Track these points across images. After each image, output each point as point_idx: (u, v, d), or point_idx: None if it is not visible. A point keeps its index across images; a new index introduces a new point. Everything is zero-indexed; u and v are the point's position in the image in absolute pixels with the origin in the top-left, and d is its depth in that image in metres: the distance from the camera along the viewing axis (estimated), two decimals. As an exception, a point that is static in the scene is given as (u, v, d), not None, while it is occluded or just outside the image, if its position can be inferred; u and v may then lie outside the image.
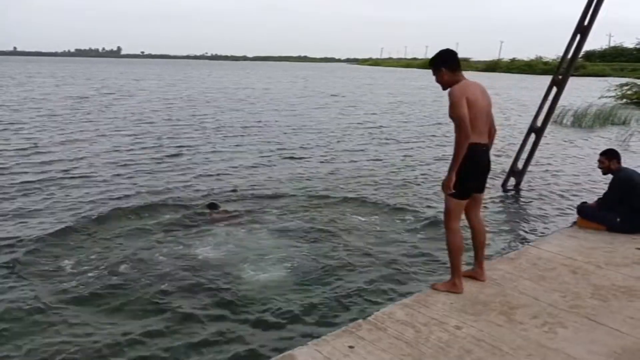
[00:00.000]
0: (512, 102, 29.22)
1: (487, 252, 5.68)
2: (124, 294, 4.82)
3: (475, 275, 4.16)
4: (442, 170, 3.90)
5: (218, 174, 9.77)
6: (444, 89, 3.83)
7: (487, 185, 8.62)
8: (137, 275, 5.22)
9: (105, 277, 5.14)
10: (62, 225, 6.57)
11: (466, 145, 3.63)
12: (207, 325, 4.27)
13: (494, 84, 43.87)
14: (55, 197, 7.90)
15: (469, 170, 3.76)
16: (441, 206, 4.06)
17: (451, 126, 3.79)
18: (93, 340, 4.01)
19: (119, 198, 8.01)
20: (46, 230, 6.40)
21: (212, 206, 7.66)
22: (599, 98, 25.51)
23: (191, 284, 5.01)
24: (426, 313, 3.62)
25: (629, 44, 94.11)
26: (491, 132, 3.96)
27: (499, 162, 11.12)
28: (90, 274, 5.21)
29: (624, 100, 27.79)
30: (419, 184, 9.24)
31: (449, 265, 4.03)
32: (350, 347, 3.16)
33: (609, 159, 5.75)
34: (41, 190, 8.22)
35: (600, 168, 5.88)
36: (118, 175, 9.44)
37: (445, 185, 3.78)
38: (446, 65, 3.80)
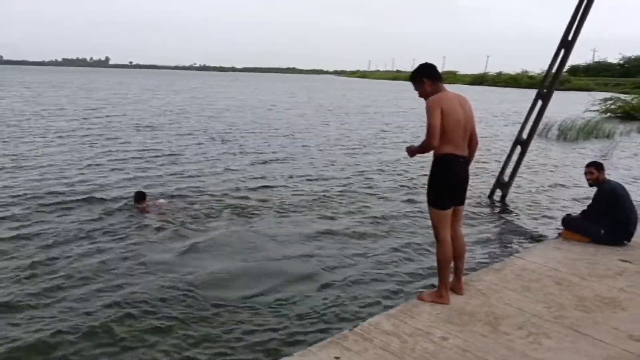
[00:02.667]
0: (498, 114, 29.56)
1: (473, 263, 5.75)
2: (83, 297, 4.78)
3: (453, 287, 4.15)
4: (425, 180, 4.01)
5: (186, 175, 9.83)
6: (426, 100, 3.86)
7: (474, 197, 8.72)
8: (93, 280, 5.18)
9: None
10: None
11: (428, 151, 3.77)
12: (184, 337, 4.17)
13: (480, 97, 44.35)
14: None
15: (443, 180, 3.83)
16: (426, 215, 4.08)
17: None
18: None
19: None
20: None
21: (140, 195, 7.53)
22: (584, 112, 25.88)
23: (155, 289, 4.97)
24: (412, 324, 3.62)
25: (613, 59, 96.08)
26: (472, 144, 3.99)
27: (485, 174, 11.23)
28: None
29: (608, 114, 28.26)
30: (405, 193, 9.26)
31: (435, 275, 4.04)
32: (336, 357, 3.15)
33: (598, 169, 5.81)
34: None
35: (588, 179, 5.92)
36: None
37: (407, 149, 3.98)
38: (427, 76, 3.87)
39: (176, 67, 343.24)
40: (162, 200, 7.95)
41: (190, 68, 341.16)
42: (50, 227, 6.73)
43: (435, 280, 4.18)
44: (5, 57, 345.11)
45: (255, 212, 7.77)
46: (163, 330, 4.24)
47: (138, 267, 5.54)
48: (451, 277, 4.11)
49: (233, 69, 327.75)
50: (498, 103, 41.53)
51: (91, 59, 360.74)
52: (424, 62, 3.97)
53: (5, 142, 13.78)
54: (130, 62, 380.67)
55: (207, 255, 5.97)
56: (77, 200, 8.07)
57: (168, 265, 5.61)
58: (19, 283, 5.04)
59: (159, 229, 6.80)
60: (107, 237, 6.44)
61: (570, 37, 8.21)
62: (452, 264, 4.04)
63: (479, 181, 10.31)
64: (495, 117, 27.90)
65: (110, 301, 4.70)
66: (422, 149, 3.79)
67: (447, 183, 3.84)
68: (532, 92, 9.43)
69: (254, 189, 9.27)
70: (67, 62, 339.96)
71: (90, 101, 30.47)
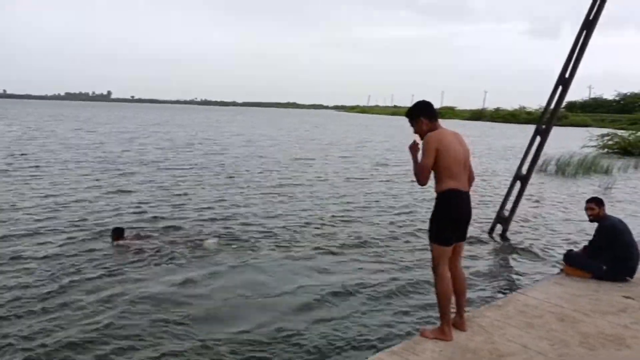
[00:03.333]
0: (497, 149, 29.78)
1: (475, 299, 5.72)
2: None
3: (456, 324, 4.12)
4: (427, 213, 4.05)
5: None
6: (422, 138, 3.92)
7: (475, 232, 8.70)
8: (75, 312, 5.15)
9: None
10: None
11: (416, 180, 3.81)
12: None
13: (479, 133, 44.72)
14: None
15: (446, 215, 3.85)
16: (428, 249, 4.09)
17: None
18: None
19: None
20: None
21: (118, 232, 7.41)
22: (582, 147, 26.10)
23: (144, 324, 4.92)
24: (415, 361, 3.58)
25: (609, 96, 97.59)
26: (469, 180, 4.04)
27: (486, 209, 11.24)
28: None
29: (606, 150, 28.51)
30: (408, 226, 9.26)
31: (437, 311, 4.02)
32: (338, 395, 3.11)
33: (599, 205, 5.85)
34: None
35: (589, 215, 5.95)
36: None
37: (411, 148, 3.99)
38: (425, 114, 3.94)
39: (177, 102, 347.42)
40: (145, 234, 7.88)
41: (191, 102, 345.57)
42: (36, 261, 6.67)
43: (437, 316, 4.15)
44: (9, 91, 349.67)
45: (253, 244, 7.75)
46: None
47: (122, 303, 5.44)
48: (453, 314, 4.09)
49: (234, 104, 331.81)
50: (497, 138, 41.87)
51: (93, 93, 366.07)
52: (420, 99, 4.06)
53: (11, 174, 13.85)
54: (132, 97, 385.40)
55: (192, 289, 5.90)
56: (67, 231, 8.12)
57: (152, 301, 5.52)
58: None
59: (139, 264, 6.67)
60: (94, 271, 6.36)
61: (567, 75, 8.37)
62: (453, 300, 4.02)
63: (480, 216, 10.31)
64: (495, 152, 28.11)
65: (98, 337, 4.66)
66: (415, 165, 3.87)
67: (449, 218, 3.86)
68: (531, 128, 9.54)
69: (252, 221, 9.27)
70: (69, 96, 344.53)
71: (95, 135, 30.70)
